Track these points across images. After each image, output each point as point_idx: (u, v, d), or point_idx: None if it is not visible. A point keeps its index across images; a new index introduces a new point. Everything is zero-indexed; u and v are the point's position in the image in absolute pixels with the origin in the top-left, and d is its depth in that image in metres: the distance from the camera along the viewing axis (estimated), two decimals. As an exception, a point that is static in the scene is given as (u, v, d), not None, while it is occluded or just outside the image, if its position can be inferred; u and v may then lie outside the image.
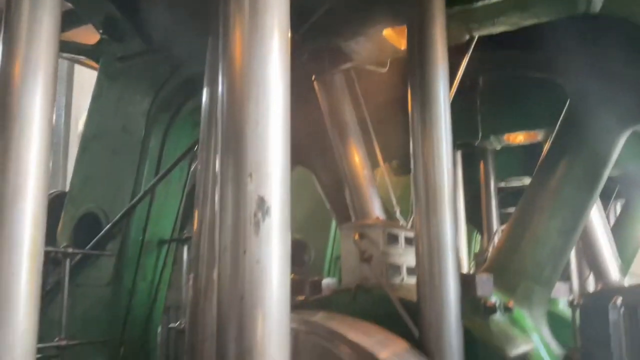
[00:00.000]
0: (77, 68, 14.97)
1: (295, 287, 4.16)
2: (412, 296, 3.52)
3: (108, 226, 4.78)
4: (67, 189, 5.56)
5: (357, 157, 5.45)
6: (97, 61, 5.55)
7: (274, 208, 1.80)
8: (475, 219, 9.24)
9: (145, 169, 4.89)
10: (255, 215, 1.77)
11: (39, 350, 4.40)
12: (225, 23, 1.98)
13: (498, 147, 7.51)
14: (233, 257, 1.76)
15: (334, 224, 8.09)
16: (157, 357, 5.07)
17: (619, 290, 6.39)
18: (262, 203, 1.77)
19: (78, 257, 4.85)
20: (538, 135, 8.33)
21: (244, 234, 1.76)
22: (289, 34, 2.02)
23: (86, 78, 11.42)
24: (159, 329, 5.17)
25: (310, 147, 6.70)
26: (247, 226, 1.76)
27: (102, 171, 5.16)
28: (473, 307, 3.55)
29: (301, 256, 8.35)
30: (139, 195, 4.71)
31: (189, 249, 5.03)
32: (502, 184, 8.95)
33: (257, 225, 1.76)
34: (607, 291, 6.48)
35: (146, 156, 4.92)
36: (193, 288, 3.09)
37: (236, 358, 1.72)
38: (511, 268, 4.51)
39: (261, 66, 1.90)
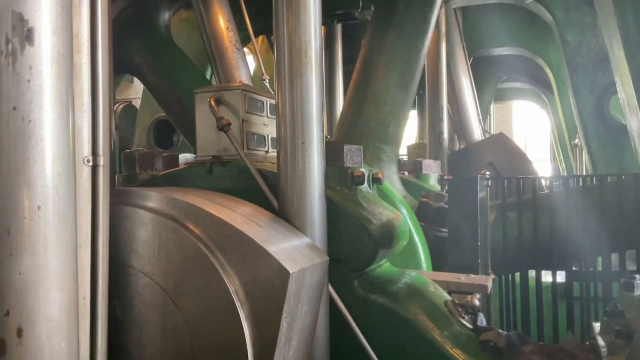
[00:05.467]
0: None
1: (144, 161, 3.67)
2: (276, 168, 3.17)
3: None
4: None
5: (221, 19, 4.82)
6: None
7: (43, 31, 1.25)
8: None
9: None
10: (8, 41, 1.21)
11: None
12: None
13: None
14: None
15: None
16: None
17: (483, 140, 8.09)
18: (19, 24, 1.22)
19: None
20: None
21: (-7, 68, 1.21)
22: None
23: None
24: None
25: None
26: (-4, 57, 1.20)
27: None
28: (340, 177, 3.27)
29: (169, 136, 7.70)
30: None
31: None
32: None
33: (13, 56, 1.21)
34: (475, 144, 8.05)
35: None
36: None
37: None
38: (357, 131, 4.63)
39: None
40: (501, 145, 8.01)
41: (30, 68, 1.23)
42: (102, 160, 1.84)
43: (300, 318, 2.53)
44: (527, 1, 7.44)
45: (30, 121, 1.22)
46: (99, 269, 1.87)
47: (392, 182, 4.60)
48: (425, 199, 4.71)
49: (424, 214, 4.57)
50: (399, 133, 4.88)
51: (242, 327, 2.33)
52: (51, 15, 1.27)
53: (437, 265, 4.36)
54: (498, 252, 4.50)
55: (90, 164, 1.79)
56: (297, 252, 2.61)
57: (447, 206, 4.57)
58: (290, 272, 2.33)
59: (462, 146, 8.76)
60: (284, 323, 2.37)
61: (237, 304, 2.35)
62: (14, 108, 1.21)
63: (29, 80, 1.23)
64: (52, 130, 1.25)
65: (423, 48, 4.88)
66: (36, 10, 1.24)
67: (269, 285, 2.36)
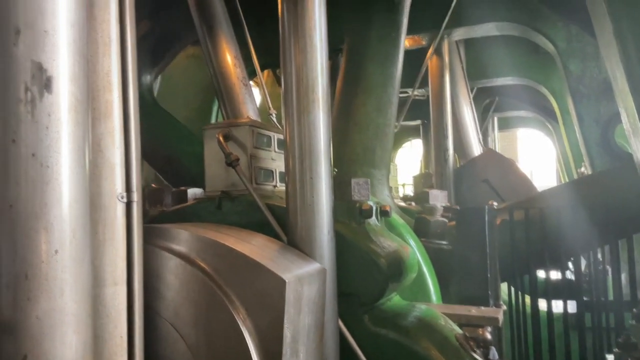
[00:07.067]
0: None
1: (154, 197, 3.69)
2: (284, 203, 3.19)
3: None
4: None
5: (228, 56, 4.90)
6: None
7: (61, 79, 1.29)
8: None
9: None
10: (27, 90, 1.25)
11: None
12: None
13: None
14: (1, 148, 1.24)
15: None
16: None
17: (476, 157, 8.76)
18: (38, 73, 1.26)
19: None
20: (423, 40, 8.20)
21: (14, 117, 1.24)
22: None
23: None
24: None
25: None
26: (16, 106, 1.24)
27: None
28: (348, 211, 3.29)
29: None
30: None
31: None
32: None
33: (32, 104, 1.25)
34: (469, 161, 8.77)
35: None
36: None
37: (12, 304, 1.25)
38: (345, 159, 4.80)
39: None
40: (492, 160, 8.72)
41: (49, 115, 1.27)
42: (136, 197, 1.85)
43: (304, 330, 2.51)
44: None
45: (48, 167, 1.25)
46: (136, 306, 1.86)
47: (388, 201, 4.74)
48: (422, 215, 4.78)
49: (422, 229, 4.62)
50: (386, 156, 5.05)
51: (247, 344, 2.32)
52: (69, 64, 1.31)
53: (441, 275, 4.32)
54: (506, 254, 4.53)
55: (125, 200, 1.80)
56: (292, 265, 2.62)
57: (443, 219, 4.64)
58: (287, 280, 2.34)
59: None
60: (287, 334, 2.36)
61: (239, 322, 2.34)
62: (33, 155, 1.24)
63: (47, 127, 1.26)
64: (69, 175, 1.28)
65: (396, 71, 5.16)
66: (54, 59, 1.28)
67: (267, 298, 2.36)
